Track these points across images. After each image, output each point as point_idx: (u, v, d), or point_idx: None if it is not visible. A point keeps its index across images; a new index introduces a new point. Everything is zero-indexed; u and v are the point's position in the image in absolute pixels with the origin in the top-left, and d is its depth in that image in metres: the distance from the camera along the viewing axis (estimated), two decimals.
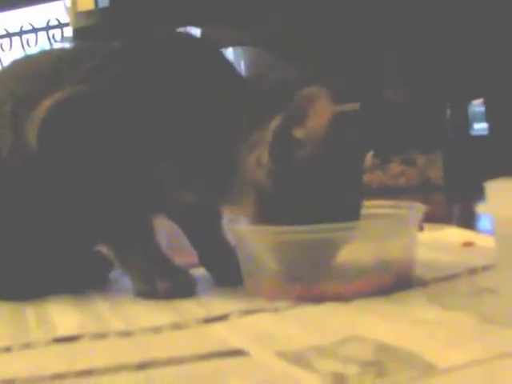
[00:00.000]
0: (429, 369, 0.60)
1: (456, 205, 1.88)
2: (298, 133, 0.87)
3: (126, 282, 0.97)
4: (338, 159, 0.89)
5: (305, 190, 0.87)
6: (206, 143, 0.92)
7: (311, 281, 0.87)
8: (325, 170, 0.88)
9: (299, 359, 0.64)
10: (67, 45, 4.01)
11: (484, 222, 1.50)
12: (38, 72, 0.99)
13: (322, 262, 0.88)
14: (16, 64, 1.08)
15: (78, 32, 2.46)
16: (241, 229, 0.95)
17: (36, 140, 0.92)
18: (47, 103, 0.93)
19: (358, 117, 0.94)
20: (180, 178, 0.93)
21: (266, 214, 0.89)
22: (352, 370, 0.60)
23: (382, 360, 0.62)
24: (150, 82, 0.94)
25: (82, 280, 1.00)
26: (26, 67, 1.03)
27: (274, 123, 0.88)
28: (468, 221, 1.51)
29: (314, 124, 0.86)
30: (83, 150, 0.92)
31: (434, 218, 1.24)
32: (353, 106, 0.94)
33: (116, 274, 1.04)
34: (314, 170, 0.88)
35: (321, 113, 0.86)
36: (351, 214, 0.89)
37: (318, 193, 0.87)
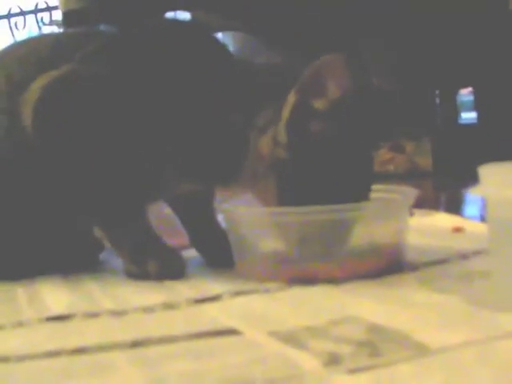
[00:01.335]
0: (421, 349, 0.60)
1: (444, 192, 1.89)
2: (318, 103, 0.86)
3: (117, 263, 0.97)
4: (354, 132, 0.88)
5: (322, 165, 0.86)
6: (206, 128, 0.91)
7: (304, 263, 0.88)
8: (340, 144, 0.87)
9: (292, 339, 0.64)
10: (56, 28, 3.99)
11: (472, 209, 1.51)
12: (36, 55, 0.98)
13: (331, 244, 0.88)
14: (14, 47, 1.07)
15: (67, 15, 2.45)
16: (233, 209, 0.95)
17: (31, 119, 0.92)
18: (42, 81, 0.92)
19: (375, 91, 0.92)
20: (180, 165, 0.92)
21: (289, 195, 0.87)
22: (346, 350, 0.60)
23: (375, 340, 0.63)
24: (148, 65, 0.93)
25: (72, 261, 1.00)
26: (25, 50, 1.02)
27: (291, 97, 0.87)
28: (456, 207, 1.52)
29: (336, 93, 0.84)
30: (79, 130, 0.91)
31: (422, 204, 1.24)
32: None
33: (106, 255, 1.04)
34: (330, 142, 0.86)
35: (342, 81, 0.84)
36: (362, 194, 0.89)
37: (333, 169, 0.86)
